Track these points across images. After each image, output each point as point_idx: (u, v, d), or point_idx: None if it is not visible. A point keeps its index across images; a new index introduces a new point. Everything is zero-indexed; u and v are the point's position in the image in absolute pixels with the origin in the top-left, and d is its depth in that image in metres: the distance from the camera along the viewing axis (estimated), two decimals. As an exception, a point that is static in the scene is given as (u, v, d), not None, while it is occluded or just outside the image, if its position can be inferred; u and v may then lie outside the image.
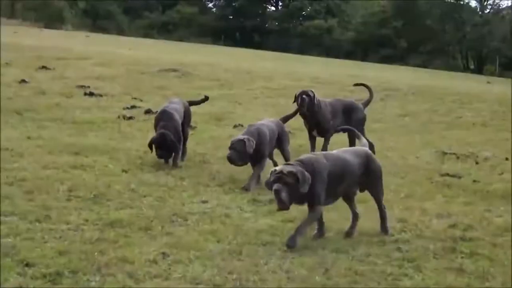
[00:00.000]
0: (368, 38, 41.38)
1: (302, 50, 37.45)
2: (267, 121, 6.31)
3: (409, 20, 41.77)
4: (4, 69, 11.24)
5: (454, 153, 7.71)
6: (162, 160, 6.11)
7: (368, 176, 4.34)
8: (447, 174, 6.52)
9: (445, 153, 7.72)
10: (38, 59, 13.28)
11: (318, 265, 3.67)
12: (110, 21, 41.74)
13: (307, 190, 3.90)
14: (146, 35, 37.31)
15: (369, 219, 4.50)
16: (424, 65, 34.13)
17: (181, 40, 36.88)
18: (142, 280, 3.27)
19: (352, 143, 6.92)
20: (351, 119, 7.54)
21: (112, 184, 5.26)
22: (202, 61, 17.01)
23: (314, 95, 7.35)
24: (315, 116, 7.34)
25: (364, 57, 37.62)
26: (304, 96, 7.27)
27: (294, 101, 7.37)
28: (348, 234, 4.29)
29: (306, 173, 3.90)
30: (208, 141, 7.45)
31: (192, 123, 7.19)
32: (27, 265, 3.35)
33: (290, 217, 4.47)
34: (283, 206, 3.93)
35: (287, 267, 3.64)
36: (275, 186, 3.87)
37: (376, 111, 9.98)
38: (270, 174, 4.05)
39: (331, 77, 15.72)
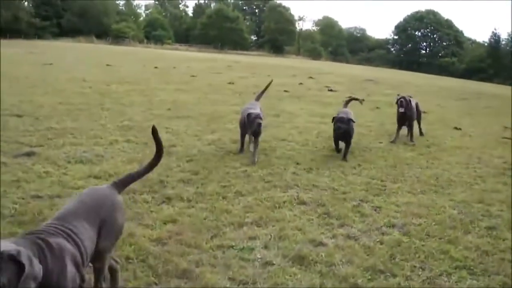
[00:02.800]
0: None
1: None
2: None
3: (494, 59, 74.73)
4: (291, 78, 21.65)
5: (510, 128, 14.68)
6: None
7: None
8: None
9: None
10: (308, 73, 23.72)
11: None
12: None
13: None
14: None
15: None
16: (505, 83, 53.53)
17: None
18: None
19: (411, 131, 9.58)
20: (418, 112, 10.09)
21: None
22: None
23: (409, 99, 9.58)
24: (407, 113, 9.43)
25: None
26: (402, 99, 9.47)
27: (396, 103, 9.65)
28: None
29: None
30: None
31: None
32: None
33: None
34: None
35: None
36: None
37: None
38: None
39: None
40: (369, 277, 3.98)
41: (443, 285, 3.98)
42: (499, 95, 24.59)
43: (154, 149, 3.59)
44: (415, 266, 4.25)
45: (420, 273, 4.15)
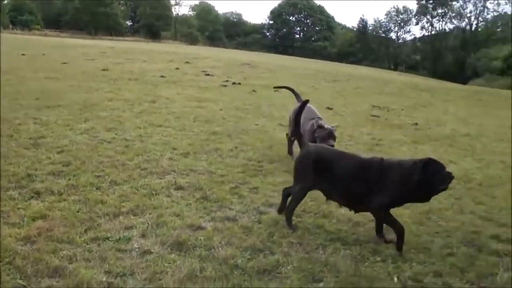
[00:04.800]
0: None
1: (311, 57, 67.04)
2: None
3: (363, 44, 77.47)
4: (168, 63, 21.34)
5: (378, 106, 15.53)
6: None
7: None
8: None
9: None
10: (185, 58, 23.50)
11: None
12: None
13: None
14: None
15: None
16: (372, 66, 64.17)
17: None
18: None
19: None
20: None
21: (215, 113, 12.79)
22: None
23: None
24: None
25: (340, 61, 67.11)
26: None
27: None
28: None
29: None
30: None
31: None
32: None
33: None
34: None
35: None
36: None
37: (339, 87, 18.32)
38: None
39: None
40: (249, 256, 4.02)
41: (319, 258, 4.13)
42: (368, 76, 26.10)
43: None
44: (292, 242, 4.37)
45: (297, 248, 4.28)
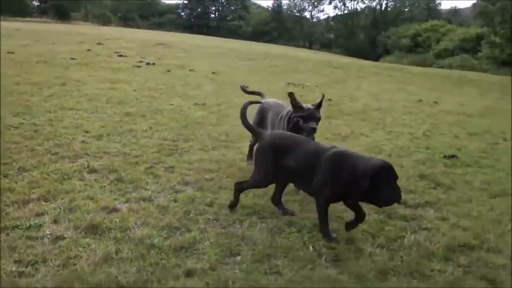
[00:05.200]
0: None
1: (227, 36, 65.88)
2: None
3: (278, 23, 79.70)
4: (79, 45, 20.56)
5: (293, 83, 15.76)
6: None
7: None
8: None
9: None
10: (97, 39, 22.72)
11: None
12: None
13: None
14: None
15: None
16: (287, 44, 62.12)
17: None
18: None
19: None
20: None
21: (128, 94, 12.59)
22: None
23: None
24: None
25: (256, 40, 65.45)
26: None
27: None
28: None
29: None
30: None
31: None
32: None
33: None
34: None
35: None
36: None
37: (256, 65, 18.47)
38: None
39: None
40: (165, 235, 4.02)
41: (236, 232, 4.19)
42: (283, 55, 26.39)
43: None
44: (209, 219, 4.41)
45: (214, 224, 4.33)
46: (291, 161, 4.31)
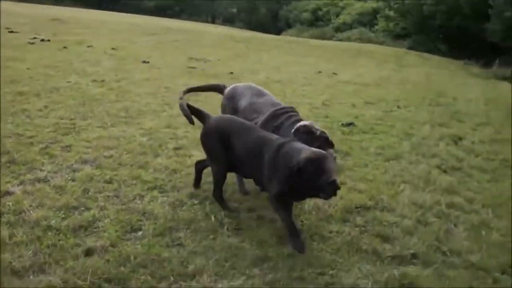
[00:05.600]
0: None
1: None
2: None
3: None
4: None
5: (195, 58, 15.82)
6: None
7: None
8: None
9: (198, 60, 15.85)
10: None
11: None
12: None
13: None
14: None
15: None
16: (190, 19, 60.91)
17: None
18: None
19: None
20: None
21: (21, 72, 12.80)
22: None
23: None
24: None
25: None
26: None
27: None
28: None
29: None
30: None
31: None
32: None
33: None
34: None
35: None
36: None
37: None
38: None
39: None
40: (63, 215, 3.93)
41: (136, 208, 4.17)
42: (186, 29, 26.01)
43: None
44: (108, 196, 4.36)
45: (114, 201, 4.29)
46: (239, 149, 4.06)
